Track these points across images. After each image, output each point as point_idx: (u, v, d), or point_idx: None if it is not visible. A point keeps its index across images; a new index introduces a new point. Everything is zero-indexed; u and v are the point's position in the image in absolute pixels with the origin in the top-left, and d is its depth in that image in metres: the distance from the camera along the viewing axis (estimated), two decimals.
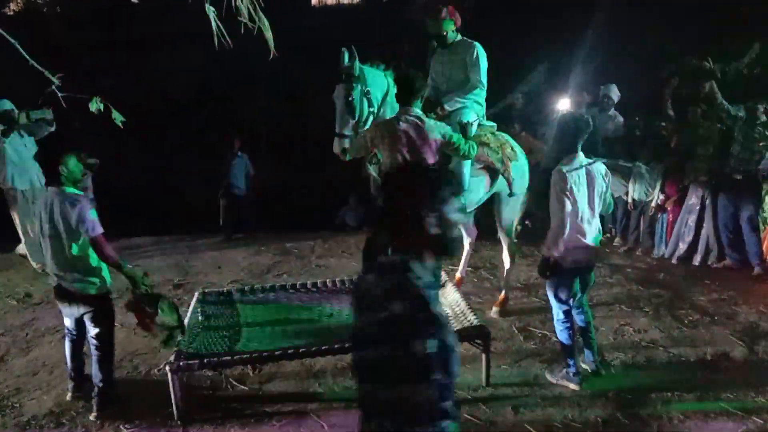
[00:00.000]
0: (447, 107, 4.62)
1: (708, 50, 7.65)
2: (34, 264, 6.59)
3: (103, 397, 3.80)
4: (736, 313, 5.11)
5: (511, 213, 5.25)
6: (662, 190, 6.68)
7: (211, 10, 2.62)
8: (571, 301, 3.89)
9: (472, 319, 4.24)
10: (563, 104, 7.39)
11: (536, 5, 9.58)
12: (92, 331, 3.82)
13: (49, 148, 5.55)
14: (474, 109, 4.73)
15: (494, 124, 5.10)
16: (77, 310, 3.81)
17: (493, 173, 4.84)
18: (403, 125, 3.96)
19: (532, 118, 7.81)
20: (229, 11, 2.71)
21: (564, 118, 4.09)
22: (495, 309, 5.18)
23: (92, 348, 3.84)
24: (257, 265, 6.88)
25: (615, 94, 7.36)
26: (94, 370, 3.83)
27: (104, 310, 3.84)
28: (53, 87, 2.99)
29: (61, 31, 11.56)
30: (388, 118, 4.24)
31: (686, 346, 4.51)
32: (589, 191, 3.75)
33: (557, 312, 3.94)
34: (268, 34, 2.75)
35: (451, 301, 4.75)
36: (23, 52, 2.67)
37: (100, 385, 3.81)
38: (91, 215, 3.65)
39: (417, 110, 4.03)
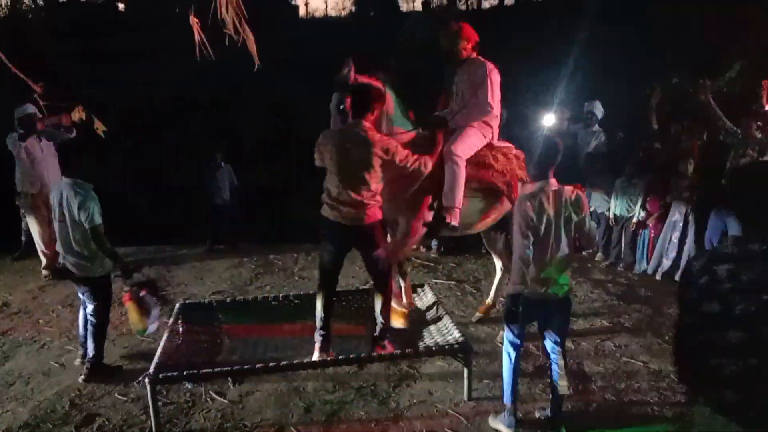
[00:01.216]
0: (451, 126, 4.47)
1: (690, 68, 7.78)
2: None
3: (91, 367, 4.34)
4: None
5: None
6: (644, 207, 6.75)
7: (194, 22, 2.62)
8: (521, 339, 3.62)
9: (454, 333, 4.25)
10: (548, 120, 7.46)
11: (518, 21, 9.70)
12: (88, 307, 4.37)
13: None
14: (482, 131, 4.53)
15: (509, 144, 4.87)
16: (79, 288, 4.39)
17: (494, 195, 4.59)
18: (342, 138, 3.96)
19: (517, 134, 7.86)
20: (214, 22, 2.71)
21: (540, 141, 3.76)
22: (477, 315, 5.32)
23: (88, 322, 4.37)
24: (239, 276, 6.84)
25: (599, 110, 7.45)
26: (88, 341, 4.38)
27: (100, 291, 4.34)
28: (35, 95, 2.98)
29: (45, 39, 11.50)
30: (337, 128, 4.12)
31: (666, 361, 4.53)
32: (556, 221, 3.43)
33: (505, 345, 3.69)
34: (253, 47, 2.75)
35: (432, 315, 4.77)
36: (4, 59, 2.65)
37: (91, 355, 4.36)
38: (91, 207, 4.12)
39: (366, 124, 3.94)
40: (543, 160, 3.51)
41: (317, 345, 4.16)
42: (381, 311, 4.22)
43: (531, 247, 3.40)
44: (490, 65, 4.46)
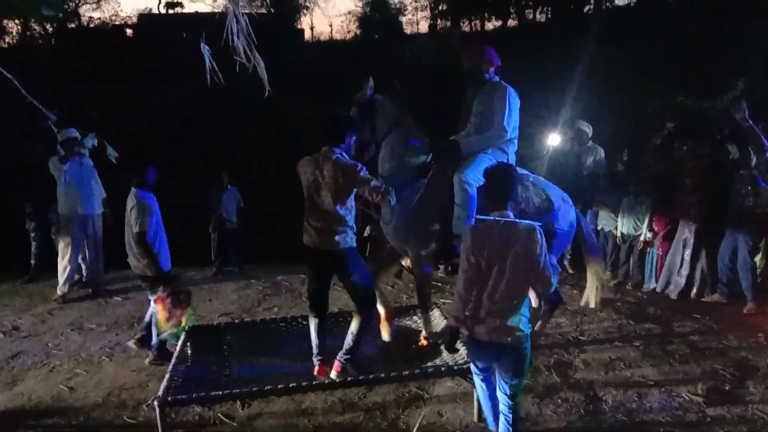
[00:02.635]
0: (463, 150, 4.36)
1: (693, 87, 7.84)
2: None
3: (157, 351, 4.90)
4: (726, 348, 5.12)
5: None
6: (650, 227, 6.74)
7: (206, 49, 2.67)
8: (485, 372, 3.41)
9: (463, 354, 4.24)
10: (553, 140, 7.50)
11: (521, 41, 9.79)
12: (150, 297, 4.91)
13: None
14: (495, 156, 4.38)
15: (526, 172, 4.74)
16: (142, 282, 5.04)
17: None
18: (311, 163, 4.03)
19: (523, 153, 7.90)
20: (224, 46, 2.76)
21: (492, 169, 3.43)
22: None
23: (151, 312, 4.97)
24: (247, 298, 6.85)
25: (587, 126, 7.47)
26: (152, 328, 4.95)
27: (155, 286, 4.80)
28: (50, 122, 3.04)
29: (53, 64, 11.67)
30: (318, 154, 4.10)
31: (677, 381, 4.51)
32: (500, 257, 3.10)
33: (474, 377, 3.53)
34: (263, 73, 2.80)
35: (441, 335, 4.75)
36: (21, 89, 2.70)
37: (155, 341, 4.91)
38: (141, 216, 4.72)
39: (336, 150, 3.96)
40: (498, 190, 3.25)
41: (316, 369, 4.20)
42: (354, 334, 4.18)
43: (468, 282, 3.19)
44: (510, 89, 4.38)
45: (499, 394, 3.27)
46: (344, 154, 3.99)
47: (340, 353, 4.17)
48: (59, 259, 6.91)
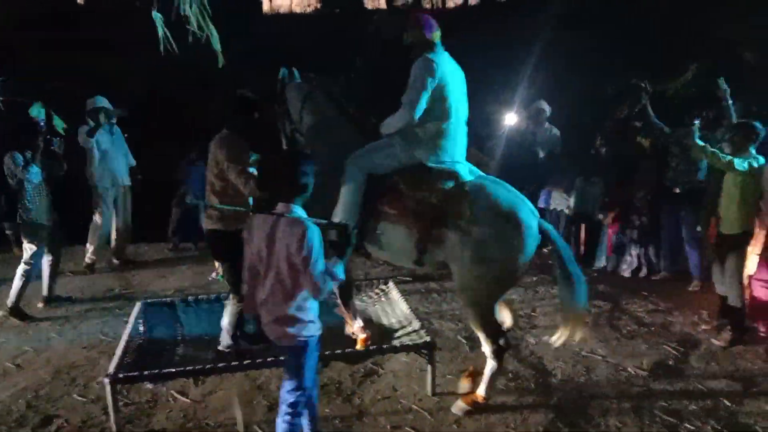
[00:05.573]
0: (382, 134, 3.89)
1: (648, 70, 7.98)
2: None
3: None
4: (671, 323, 5.32)
5: (471, 280, 3.67)
6: (602, 206, 6.91)
7: (158, 17, 2.59)
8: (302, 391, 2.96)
9: (418, 329, 4.30)
10: (510, 119, 7.58)
11: (482, 21, 9.79)
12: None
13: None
14: (406, 144, 3.74)
15: (454, 170, 3.74)
16: None
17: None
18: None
19: (480, 132, 7.96)
20: (179, 17, 2.69)
21: (271, 158, 3.22)
22: None
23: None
24: (203, 275, 6.76)
25: (547, 107, 7.56)
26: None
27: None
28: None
29: (8, 31, 11.19)
30: None
31: (624, 356, 4.66)
32: (269, 252, 2.83)
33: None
34: (216, 44, 2.74)
35: (397, 311, 4.80)
36: None
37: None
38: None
39: (224, 131, 3.97)
40: (277, 180, 2.93)
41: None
42: (229, 321, 4.17)
43: (251, 276, 2.98)
44: (433, 63, 3.60)
45: (282, 392, 3.01)
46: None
47: (220, 348, 4.18)
48: (91, 229, 6.94)
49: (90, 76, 9.96)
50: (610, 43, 9.53)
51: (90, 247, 6.92)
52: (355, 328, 4.33)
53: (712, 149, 4.82)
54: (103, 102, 6.69)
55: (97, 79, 9.86)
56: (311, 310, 2.93)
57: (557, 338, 3.73)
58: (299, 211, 2.84)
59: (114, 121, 6.87)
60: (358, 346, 4.22)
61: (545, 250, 7.28)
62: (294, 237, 2.72)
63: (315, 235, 2.75)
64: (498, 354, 3.73)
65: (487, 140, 7.71)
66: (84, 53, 10.86)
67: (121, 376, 3.59)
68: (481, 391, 3.81)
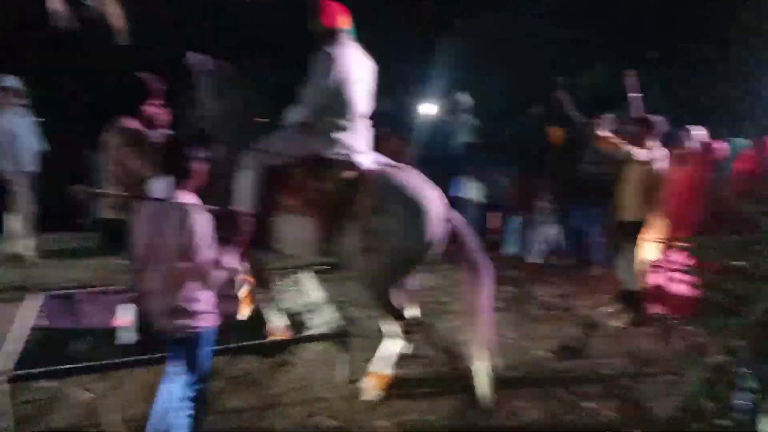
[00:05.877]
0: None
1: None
2: None
3: None
4: (576, 307, 5.59)
5: (372, 276, 3.75)
6: (511, 194, 7.16)
7: None
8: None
9: (333, 316, 4.30)
10: (427, 109, 7.70)
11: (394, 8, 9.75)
12: None
13: None
14: (294, 138, 3.74)
15: (354, 160, 3.71)
16: None
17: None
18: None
19: (400, 120, 8.04)
20: None
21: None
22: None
23: None
24: (107, 266, 6.46)
25: (465, 100, 7.75)
26: None
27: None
28: None
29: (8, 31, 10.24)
30: None
31: (533, 339, 4.86)
32: (163, 237, 2.68)
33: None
34: (119, 23, 2.60)
35: (313, 297, 4.78)
36: None
37: None
38: None
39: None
40: (183, 165, 2.76)
41: None
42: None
43: (141, 261, 2.79)
44: (324, 52, 3.56)
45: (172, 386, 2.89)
46: None
47: None
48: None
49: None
50: (545, 34, 9.72)
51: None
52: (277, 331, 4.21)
53: (614, 140, 5.09)
54: (9, 81, 6.23)
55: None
56: (203, 300, 2.81)
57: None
58: (188, 197, 2.73)
59: (23, 102, 6.41)
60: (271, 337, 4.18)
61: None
62: (182, 224, 2.62)
63: (204, 222, 2.66)
64: (398, 334, 3.88)
65: (405, 128, 7.80)
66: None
67: (20, 373, 3.40)
68: (387, 370, 3.93)
